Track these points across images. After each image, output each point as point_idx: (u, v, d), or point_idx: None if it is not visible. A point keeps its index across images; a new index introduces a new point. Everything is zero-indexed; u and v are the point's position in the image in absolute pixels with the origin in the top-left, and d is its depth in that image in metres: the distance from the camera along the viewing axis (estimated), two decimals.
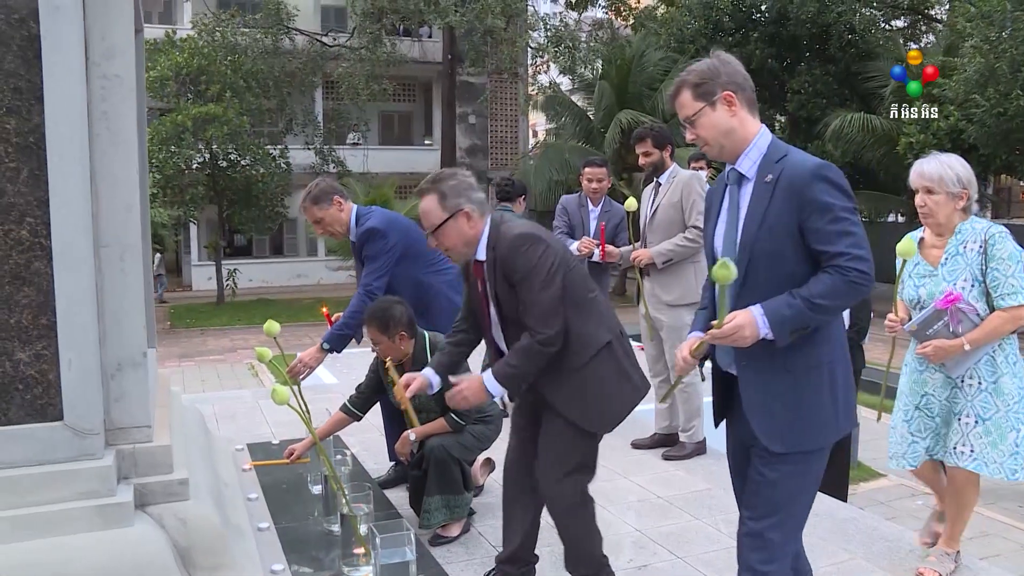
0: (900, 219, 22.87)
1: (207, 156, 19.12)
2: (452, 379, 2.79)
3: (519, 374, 2.62)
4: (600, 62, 21.35)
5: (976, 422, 3.03)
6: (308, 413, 3.01)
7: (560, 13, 22.17)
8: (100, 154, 2.27)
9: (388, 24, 21.83)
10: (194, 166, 18.94)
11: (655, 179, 4.76)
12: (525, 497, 2.86)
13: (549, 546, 3.07)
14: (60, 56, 2.15)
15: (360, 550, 2.92)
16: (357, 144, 25.35)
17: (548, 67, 23.93)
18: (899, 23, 24.17)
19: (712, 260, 2.29)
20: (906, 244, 2.93)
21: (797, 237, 2.12)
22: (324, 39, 23.28)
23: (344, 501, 2.93)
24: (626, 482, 4.23)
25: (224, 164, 19.49)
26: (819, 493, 4.17)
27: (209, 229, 23.89)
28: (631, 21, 23.74)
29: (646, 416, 5.13)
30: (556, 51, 20.58)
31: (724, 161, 2.28)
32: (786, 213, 2.12)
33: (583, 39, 21.49)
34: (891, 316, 3.19)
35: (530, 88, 23.84)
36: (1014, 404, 3.01)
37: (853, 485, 5.33)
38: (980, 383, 3.04)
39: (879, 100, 18.91)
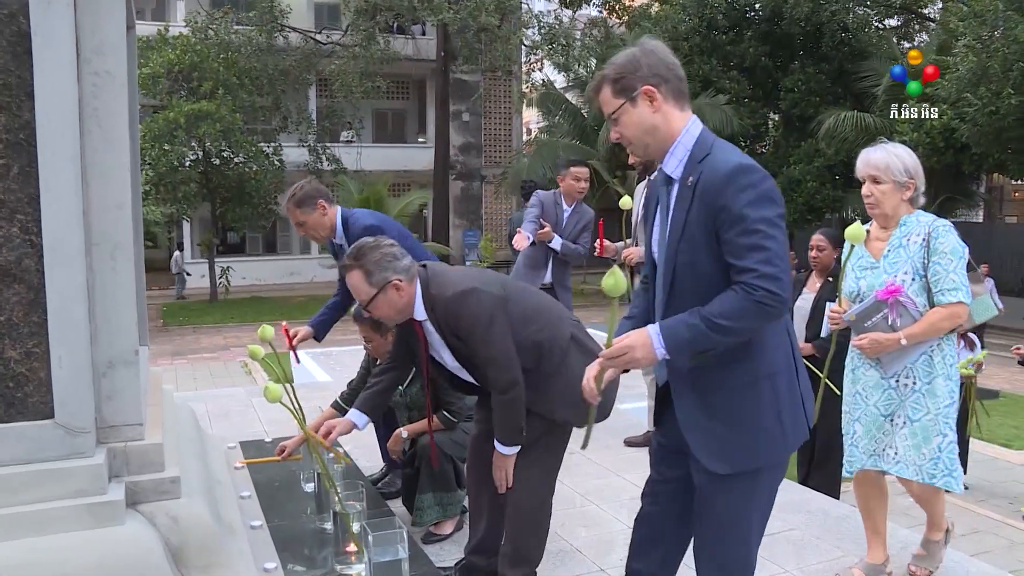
0: None
1: (200, 153, 19.07)
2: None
3: (512, 423, 2.68)
4: (593, 60, 21.35)
5: (904, 423, 2.94)
6: (301, 411, 3.00)
7: (554, 11, 22.16)
8: (92, 151, 2.26)
9: (382, 21, 21.78)
10: (187, 163, 18.87)
11: (647, 177, 4.76)
12: (491, 486, 2.89)
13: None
14: (51, 52, 2.13)
15: (353, 548, 2.91)
16: (351, 142, 25.31)
17: (542, 65, 23.93)
18: (892, 22, 24.25)
19: (652, 267, 2.16)
20: (855, 229, 2.84)
21: (716, 248, 1.93)
22: (318, 37, 23.23)
23: (337, 499, 2.93)
24: (619, 480, 4.23)
25: (217, 161, 19.45)
26: (812, 491, 4.21)
27: (202, 227, 23.82)
28: (625, 19, 23.75)
29: (639, 414, 5.14)
30: (550, 49, 20.57)
31: (654, 160, 2.10)
32: (704, 221, 1.93)
33: (577, 37, 21.47)
34: (834, 307, 3.11)
35: (524, 86, 23.82)
36: (944, 408, 2.90)
37: (845, 483, 5.34)
38: (915, 383, 2.94)
39: (872, 99, 18.99)
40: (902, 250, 2.96)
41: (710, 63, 21.92)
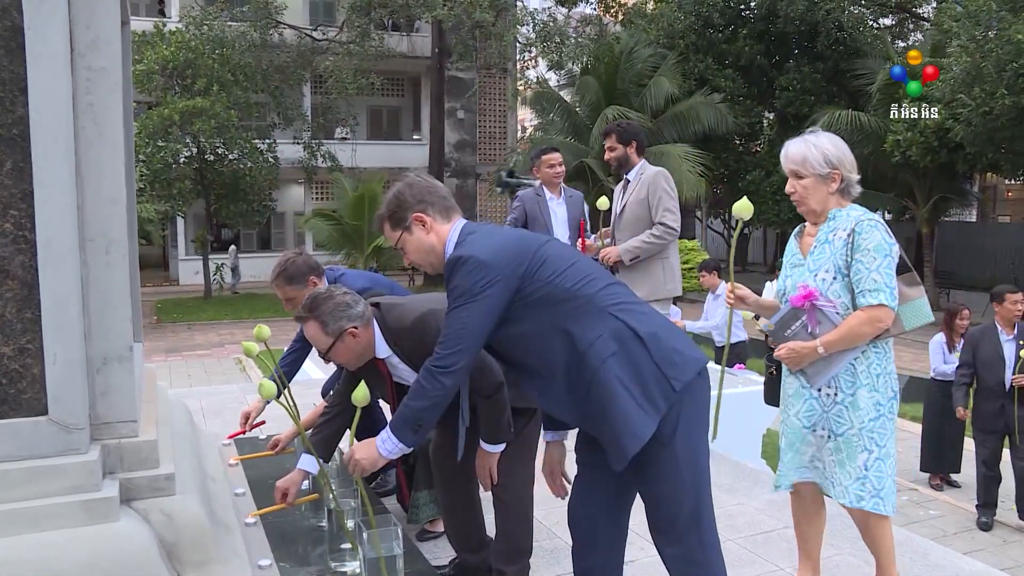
0: (887, 216, 23.00)
1: (194, 150, 19.01)
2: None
3: (501, 422, 2.74)
4: (587, 58, 21.36)
5: (828, 437, 2.72)
6: (296, 407, 3.00)
7: (549, 8, 22.15)
8: (86, 147, 2.25)
9: (377, 18, 21.74)
10: (181, 160, 18.82)
11: (624, 176, 4.75)
12: (462, 481, 2.94)
13: (538, 541, 3.07)
14: (44, 47, 2.12)
15: (347, 545, 2.91)
16: (345, 139, 25.26)
17: (536, 62, 23.92)
18: (887, 21, 24.32)
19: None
20: (742, 203, 2.77)
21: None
22: (313, 33, 23.17)
23: (331, 496, 2.92)
24: None
25: (211, 158, 19.39)
26: None
27: (196, 223, 23.77)
28: (620, 17, 23.76)
29: None
30: (544, 46, 20.56)
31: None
32: None
33: (572, 35, 21.47)
34: (728, 287, 2.92)
35: (518, 83, 23.81)
36: (868, 422, 2.65)
37: None
38: (836, 394, 2.70)
39: (867, 97, 19.04)
40: (827, 246, 2.73)
41: (705, 61, 21.96)
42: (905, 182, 19.10)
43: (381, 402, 3.84)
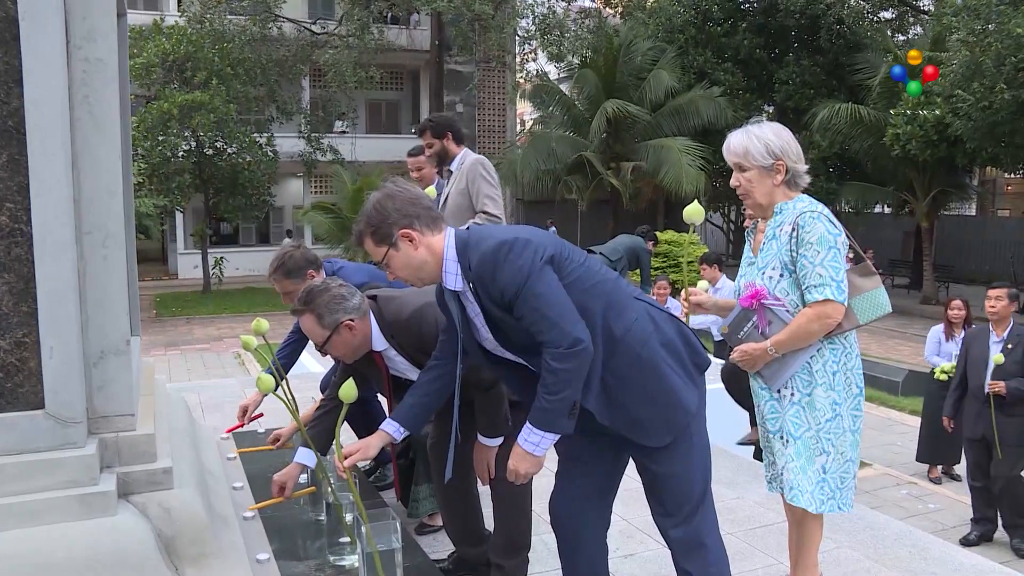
0: (886, 210, 22.99)
1: (193, 144, 18.96)
2: None
3: (497, 416, 2.74)
4: (585, 50, 21.32)
5: (787, 442, 2.61)
6: (294, 401, 2.99)
7: (548, 1, 22.09)
8: (82, 139, 2.24)
9: (376, 11, 21.67)
10: (180, 155, 18.76)
11: (447, 168, 4.67)
12: (460, 475, 2.89)
13: (536, 535, 3.07)
14: (39, 38, 2.11)
15: (346, 539, 2.91)
16: (344, 132, 25.20)
17: (536, 55, 23.87)
18: (887, 15, 24.27)
19: (501, 363, 2.30)
20: (692, 207, 2.73)
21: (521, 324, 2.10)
22: (312, 26, 23.11)
23: (330, 490, 2.92)
24: None
25: (210, 152, 19.34)
26: None
27: (195, 217, 23.73)
28: (619, 10, 23.71)
29: None
30: (544, 39, 20.52)
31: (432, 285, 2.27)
32: (498, 306, 2.10)
33: (571, 27, 21.42)
34: (682, 294, 2.87)
35: (518, 76, 23.78)
36: (825, 422, 2.56)
37: None
38: (793, 394, 2.60)
39: (867, 91, 19.01)
40: (774, 242, 2.62)
41: (704, 55, 21.92)
42: (905, 176, 19.08)
43: (379, 396, 3.84)
